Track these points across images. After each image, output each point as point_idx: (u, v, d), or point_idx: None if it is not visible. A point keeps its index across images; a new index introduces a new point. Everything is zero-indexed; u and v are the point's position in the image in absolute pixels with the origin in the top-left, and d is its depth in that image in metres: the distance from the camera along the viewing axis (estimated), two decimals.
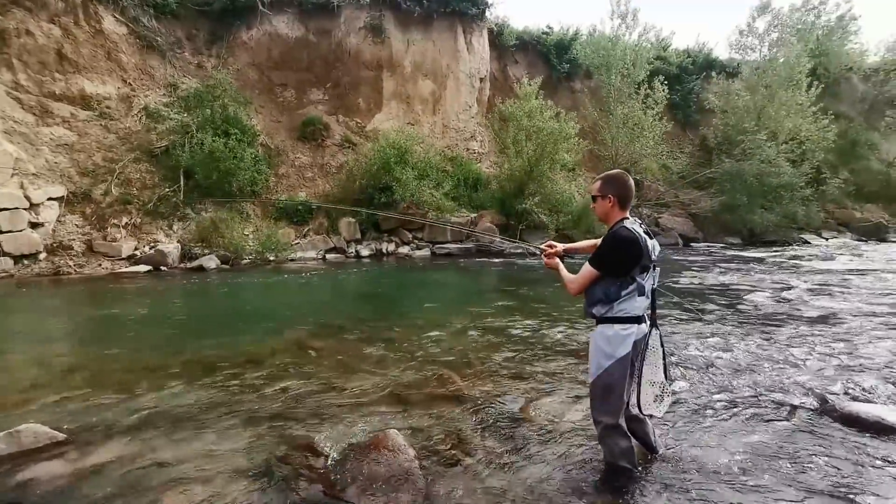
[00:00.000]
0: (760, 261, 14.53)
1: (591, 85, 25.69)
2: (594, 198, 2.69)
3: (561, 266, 2.77)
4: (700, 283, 10.17)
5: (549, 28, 26.03)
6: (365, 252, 15.83)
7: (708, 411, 3.62)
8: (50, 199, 12.23)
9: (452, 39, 21.32)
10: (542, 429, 3.32)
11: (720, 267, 13.01)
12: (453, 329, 6.24)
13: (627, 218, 2.58)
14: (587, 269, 2.53)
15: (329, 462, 2.88)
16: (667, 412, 2.78)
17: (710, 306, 7.66)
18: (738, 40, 25.80)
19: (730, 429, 3.33)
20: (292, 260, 14.36)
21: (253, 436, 3.24)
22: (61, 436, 3.12)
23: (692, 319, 6.70)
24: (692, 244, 20.58)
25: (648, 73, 22.65)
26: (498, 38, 24.08)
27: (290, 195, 16.49)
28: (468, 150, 21.58)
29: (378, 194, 16.45)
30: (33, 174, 12.34)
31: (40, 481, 2.68)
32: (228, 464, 2.88)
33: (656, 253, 2.56)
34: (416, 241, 16.85)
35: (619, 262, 2.46)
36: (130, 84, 16.25)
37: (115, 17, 16.26)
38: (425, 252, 16.31)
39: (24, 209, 11.28)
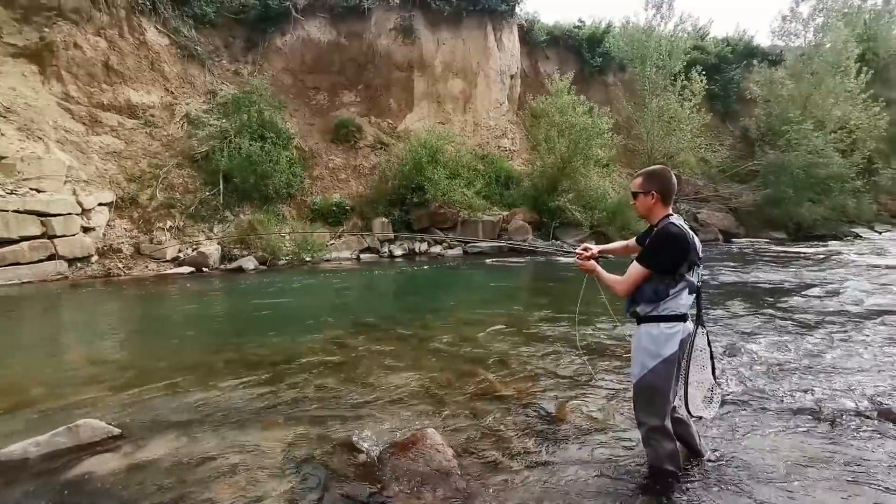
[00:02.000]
0: (808, 256, 13.93)
1: (624, 78, 25.17)
2: (635, 194, 2.61)
3: (599, 268, 2.71)
4: (743, 281, 9.83)
5: (581, 22, 25.67)
6: (398, 252, 15.97)
7: (755, 414, 3.49)
8: (100, 204, 12.83)
9: (482, 37, 21.26)
10: (581, 429, 3.28)
11: (764, 263, 12.54)
12: (487, 328, 6.22)
13: (672, 214, 2.52)
14: (637, 269, 2.46)
15: (369, 459, 2.92)
16: (712, 416, 2.70)
17: (755, 305, 7.38)
18: (780, 26, 24.79)
19: (779, 432, 3.21)
20: (327, 260, 14.61)
21: (294, 432, 3.32)
22: (116, 430, 3.27)
23: (736, 319, 6.48)
24: (733, 240, 19.91)
25: (685, 63, 22.00)
26: (528, 35, 23.86)
27: (324, 196, 16.78)
28: (499, 147, 21.48)
29: (410, 194, 16.58)
30: (84, 181, 12.97)
31: (98, 474, 2.81)
32: (271, 459, 2.96)
33: (701, 250, 2.49)
34: (448, 241, 16.89)
35: (670, 259, 2.40)
36: (172, 92, 16.88)
37: (157, 28, 16.91)
38: (458, 251, 16.33)
39: (77, 214, 11.86)
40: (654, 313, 2.45)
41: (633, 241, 2.94)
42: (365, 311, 7.89)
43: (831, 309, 6.97)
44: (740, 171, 23.12)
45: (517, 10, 22.30)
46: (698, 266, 2.47)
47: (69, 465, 2.90)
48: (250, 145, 15.05)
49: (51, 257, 11.07)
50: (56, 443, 3.05)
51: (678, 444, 2.58)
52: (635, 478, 2.67)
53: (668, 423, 2.51)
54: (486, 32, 21.30)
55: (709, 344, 2.55)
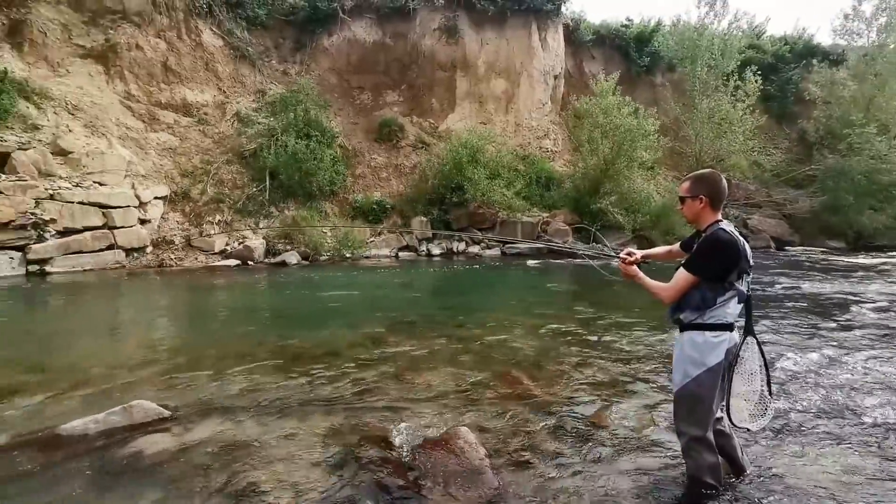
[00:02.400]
0: (868, 267, 13.14)
1: (673, 78, 24.46)
2: (682, 199, 2.53)
3: (642, 274, 2.62)
4: (796, 291, 9.37)
5: (629, 20, 25.08)
6: (436, 251, 16.07)
7: (803, 430, 3.34)
8: (156, 198, 13.50)
9: (526, 37, 21.10)
10: (617, 436, 3.23)
11: (820, 273, 11.92)
12: (524, 329, 6.19)
13: (721, 220, 2.43)
14: (683, 275, 2.38)
15: (403, 454, 2.97)
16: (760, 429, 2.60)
17: (807, 317, 7.04)
18: (842, 25, 23.51)
19: (826, 450, 3.06)
20: (367, 257, 14.87)
21: (331, 423, 3.41)
22: (166, 412, 3.45)
23: (785, 330, 6.20)
24: (787, 248, 19.00)
25: (739, 63, 21.18)
26: (573, 34, 23.52)
27: (365, 195, 17.07)
28: (541, 148, 21.28)
29: (450, 194, 16.65)
30: (142, 175, 13.68)
31: (149, 452, 2.98)
32: (309, 448, 3.05)
33: (751, 257, 2.40)
34: (486, 241, 16.86)
35: (720, 266, 2.31)
36: (224, 92, 17.56)
37: (212, 30, 17.63)
38: (496, 251, 16.28)
39: (135, 207, 12.52)
40: (699, 321, 2.38)
41: (677, 246, 2.85)
42: (402, 308, 7.99)
43: (889, 324, 6.56)
44: (796, 176, 22.04)
45: (563, 9, 22.02)
46: (748, 274, 2.38)
47: (123, 442, 3.07)
48: (296, 143, 15.48)
49: (110, 247, 11.74)
50: (112, 421, 3.24)
51: (720, 457, 2.50)
52: (673, 488, 2.61)
53: (710, 435, 2.43)
54: (530, 32, 21.13)
55: (762, 354, 2.45)
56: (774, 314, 7.08)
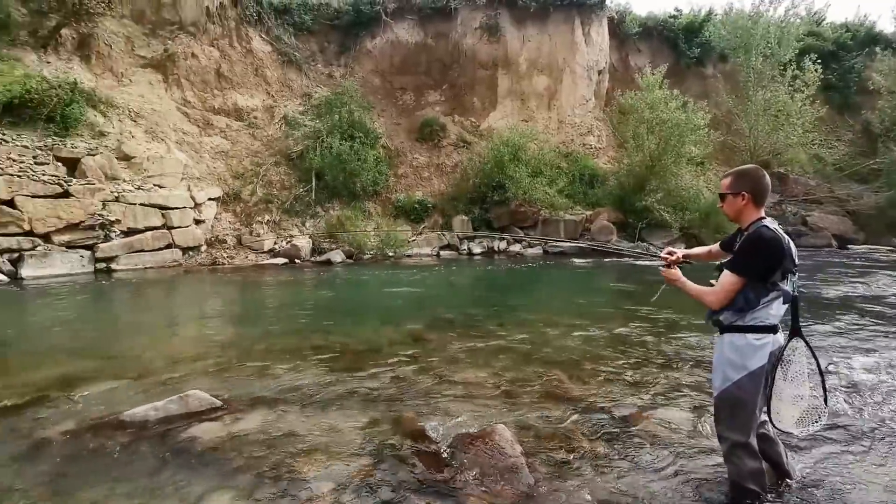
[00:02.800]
0: None
1: (725, 69, 23.48)
2: (722, 196, 2.45)
3: (684, 278, 2.54)
4: (860, 293, 8.84)
5: (678, 11, 24.23)
6: (477, 249, 16.11)
7: (857, 437, 3.18)
8: (209, 199, 14.19)
9: (569, 32, 20.78)
10: (657, 439, 3.17)
11: (885, 274, 11.17)
12: (564, 329, 6.14)
13: (764, 217, 2.35)
14: (729, 277, 2.29)
15: (440, 449, 3.03)
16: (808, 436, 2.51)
17: (868, 320, 6.63)
18: None
19: (881, 459, 2.91)
20: (409, 256, 15.08)
21: (371, 417, 3.52)
22: (218, 402, 3.66)
23: (843, 334, 5.87)
24: (850, 246, 17.84)
25: (797, 51, 20.10)
26: (619, 27, 22.97)
27: (407, 194, 17.30)
28: (584, 145, 20.91)
29: (491, 192, 16.64)
30: (197, 178, 14.40)
31: (202, 439, 3.17)
32: (349, 440, 3.16)
33: (797, 256, 2.32)
34: (527, 240, 16.75)
35: (764, 265, 2.23)
36: (273, 96, 18.23)
37: (261, 37, 18.32)
38: (537, 250, 16.15)
39: (191, 208, 13.21)
40: (740, 323, 2.30)
41: (716, 246, 2.76)
42: (443, 306, 8.08)
43: None
44: (860, 170, 20.69)
45: (607, 2, 21.55)
46: (793, 274, 2.30)
47: (179, 429, 3.29)
48: (340, 144, 15.89)
49: (168, 246, 12.44)
50: (169, 409, 3.47)
51: (764, 462, 2.43)
52: (714, 494, 2.55)
53: (753, 440, 2.36)
54: (573, 27, 20.79)
55: (814, 357, 2.36)
56: (836, 317, 6.72)
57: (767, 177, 2.41)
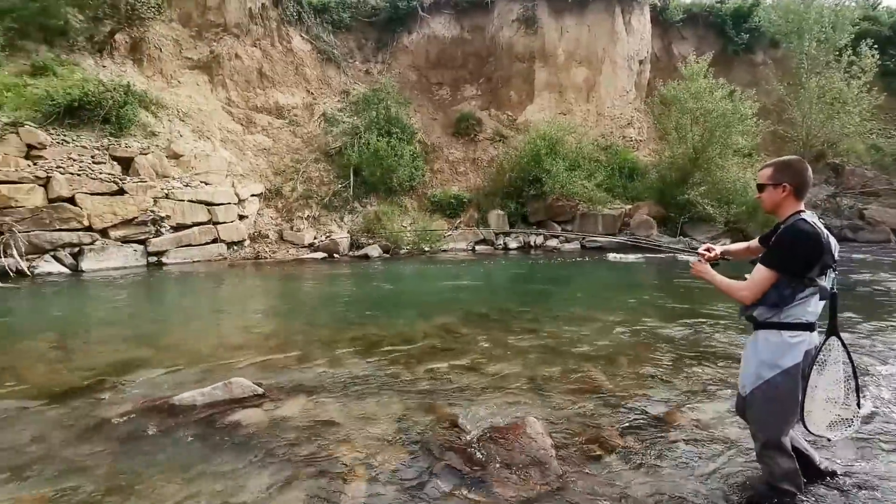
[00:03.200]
0: None
1: (776, 56, 22.39)
2: (761, 186, 2.37)
3: (713, 272, 2.46)
4: None
5: None
6: (513, 244, 16.04)
7: None
8: (252, 195, 14.68)
9: (609, 22, 20.27)
10: (690, 436, 3.12)
11: None
12: (599, 325, 6.07)
13: (803, 210, 2.27)
14: (762, 272, 2.22)
15: (471, 439, 3.08)
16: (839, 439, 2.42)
17: None
18: None
19: None
20: (444, 251, 15.17)
21: (405, 407, 3.60)
22: (260, 389, 3.82)
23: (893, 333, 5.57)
24: None
25: (852, 36, 18.94)
26: (662, 14, 22.26)
27: (443, 189, 17.37)
28: (624, 137, 20.40)
29: (527, 186, 16.50)
30: (241, 175, 14.91)
31: (245, 424, 3.33)
32: (384, 428, 3.26)
33: (837, 251, 2.23)
34: (565, 234, 16.53)
35: (802, 259, 2.15)
36: (312, 94, 18.63)
37: (301, 36, 18.74)
38: (574, 245, 15.93)
39: (235, 204, 13.70)
40: (775, 319, 2.23)
41: (755, 241, 2.65)
42: (477, 301, 8.11)
43: None
44: None
45: None
46: (833, 270, 2.21)
47: (224, 414, 3.46)
48: (378, 140, 16.10)
49: (214, 241, 12.95)
50: (215, 395, 3.66)
51: (798, 462, 2.35)
52: (747, 493, 2.49)
53: (786, 440, 2.29)
54: (613, 16, 20.28)
55: (849, 358, 2.27)
56: (882, 315, 6.37)
57: (810, 169, 2.32)
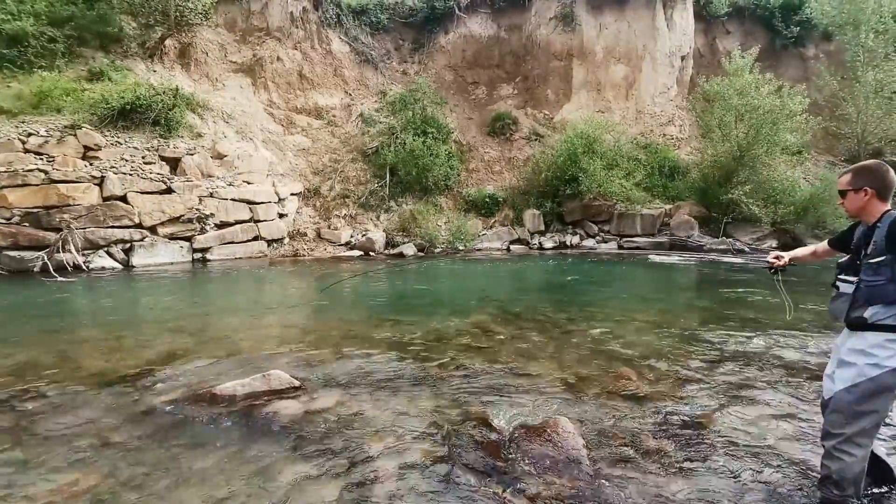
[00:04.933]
0: None
1: (829, 49, 21.34)
2: (843, 192, 2.33)
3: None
4: None
5: None
6: (548, 244, 15.88)
7: None
8: (292, 194, 15.07)
9: (650, 17, 19.77)
10: (730, 441, 3.03)
11: None
12: (636, 327, 5.96)
13: (892, 209, 2.22)
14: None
15: (502, 437, 3.09)
16: None
17: None
18: None
19: None
20: (479, 249, 15.17)
21: (437, 403, 3.64)
22: (297, 382, 3.94)
23: None
24: None
25: None
26: (706, 8, 21.56)
27: (478, 188, 17.36)
28: (664, 135, 19.86)
29: (563, 185, 16.30)
30: (281, 174, 15.33)
31: (282, 414, 3.45)
32: (415, 424, 3.30)
33: None
34: (602, 234, 16.25)
35: None
36: (350, 94, 18.96)
37: (340, 38, 19.10)
38: (612, 245, 15.64)
39: (275, 203, 14.10)
40: (889, 322, 2.14)
41: (822, 244, 2.62)
42: (512, 300, 8.09)
43: None
44: None
45: None
46: None
47: (262, 404, 3.59)
48: (413, 140, 16.25)
49: (255, 238, 13.38)
50: (254, 385, 3.79)
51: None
52: (787, 497, 2.41)
53: (872, 443, 2.23)
54: (654, 12, 19.76)
55: None
56: None
57: (892, 172, 2.25)
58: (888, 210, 2.21)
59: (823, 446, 2.32)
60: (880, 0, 18.32)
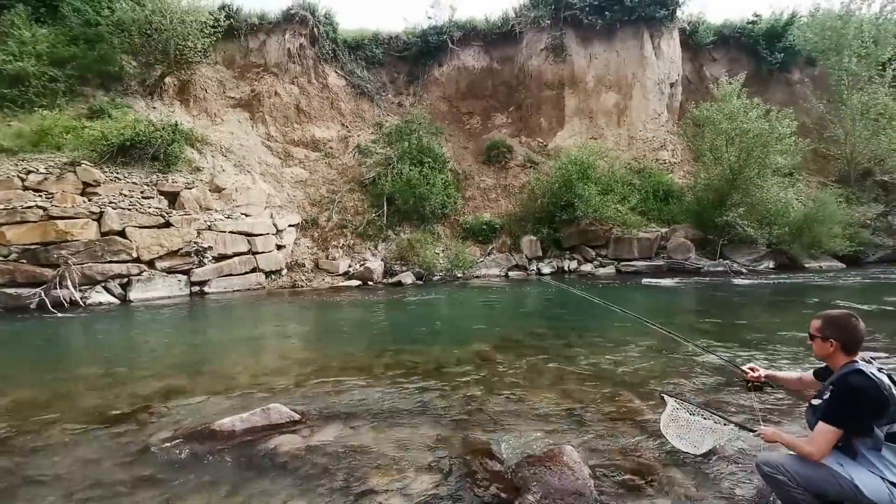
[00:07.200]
0: None
1: (813, 74, 21.89)
2: (812, 336, 2.42)
3: (783, 435, 2.42)
4: None
5: (757, 16, 22.97)
6: (546, 269, 15.89)
7: None
8: (290, 225, 15.13)
9: (638, 47, 20.33)
10: (737, 465, 2.99)
11: None
12: (637, 351, 5.92)
13: (856, 361, 2.25)
14: (824, 429, 2.19)
15: (505, 468, 3.03)
16: None
17: None
18: None
19: None
20: (477, 276, 15.16)
21: (439, 434, 3.58)
22: (297, 416, 3.88)
23: None
24: None
25: None
26: (692, 38, 22.18)
27: (475, 216, 17.47)
28: (657, 160, 20.15)
29: (559, 211, 16.42)
30: (279, 206, 15.42)
31: (283, 449, 3.38)
32: (418, 456, 3.24)
33: None
34: (599, 259, 16.29)
35: (862, 416, 2.13)
36: (347, 127, 19.26)
37: (336, 72, 19.52)
38: (609, 270, 15.65)
39: (273, 234, 14.14)
40: None
41: (809, 374, 2.66)
42: (511, 327, 8.05)
43: None
44: None
45: (678, 13, 20.87)
46: None
47: (262, 439, 3.53)
48: (410, 170, 16.43)
49: (253, 270, 13.35)
50: (253, 420, 3.73)
51: None
52: None
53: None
54: (642, 42, 20.33)
55: None
56: None
57: (861, 325, 2.30)
58: (849, 362, 2.26)
59: None
60: (861, 26, 18.90)
